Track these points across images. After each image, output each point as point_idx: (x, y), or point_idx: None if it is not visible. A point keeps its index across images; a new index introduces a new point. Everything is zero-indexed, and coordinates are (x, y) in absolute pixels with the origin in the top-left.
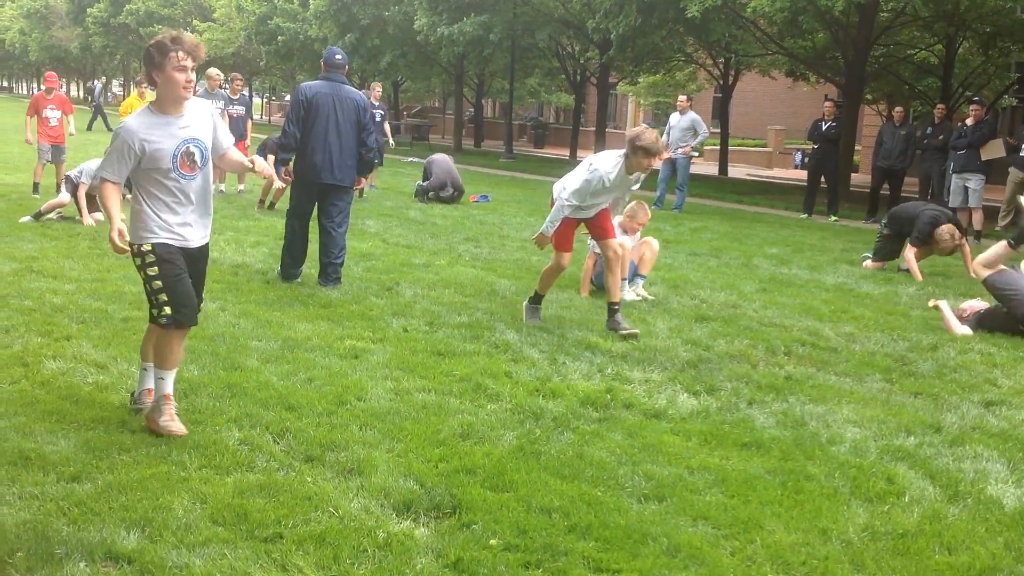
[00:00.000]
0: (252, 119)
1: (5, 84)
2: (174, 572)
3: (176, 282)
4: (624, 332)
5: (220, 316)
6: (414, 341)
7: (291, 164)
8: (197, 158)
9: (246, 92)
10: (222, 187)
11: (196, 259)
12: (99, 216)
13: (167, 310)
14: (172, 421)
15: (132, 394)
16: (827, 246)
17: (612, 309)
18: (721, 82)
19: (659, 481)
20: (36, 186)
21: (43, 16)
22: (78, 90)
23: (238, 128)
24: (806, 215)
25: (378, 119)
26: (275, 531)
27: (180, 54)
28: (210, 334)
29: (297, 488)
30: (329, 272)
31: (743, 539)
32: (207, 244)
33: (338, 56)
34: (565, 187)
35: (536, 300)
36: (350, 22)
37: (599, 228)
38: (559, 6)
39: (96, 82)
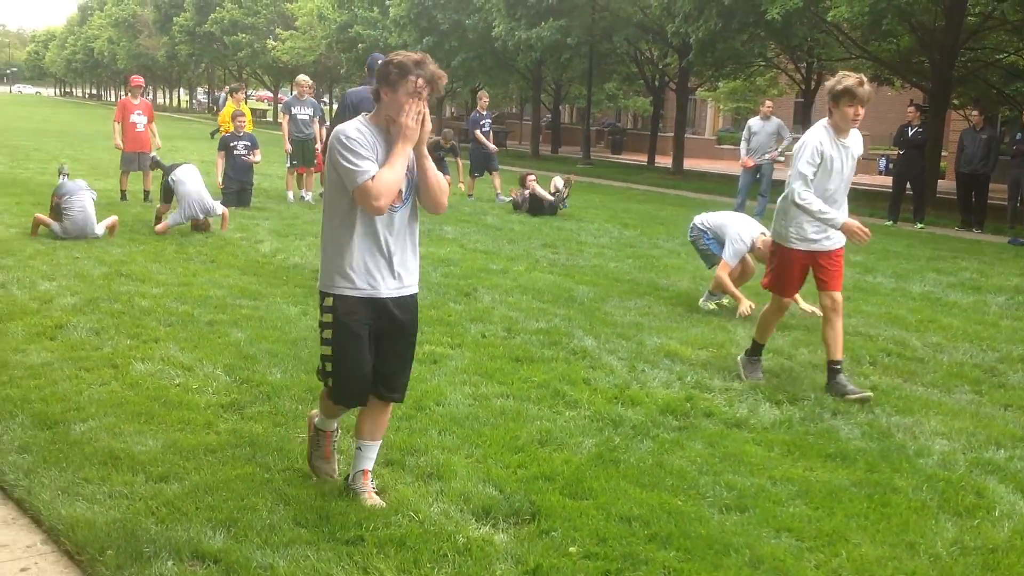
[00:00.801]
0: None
1: (94, 91)
2: (259, 572)
3: (349, 357)
4: (854, 397)
5: (301, 320)
6: (492, 347)
7: None
8: (404, 185)
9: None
10: (306, 195)
11: (392, 313)
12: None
13: (328, 380)
14: (369, 497)
15: (347, 477)
16: (913, 254)
17: (833, 369)
18: (803, 87)
19: (741, 491)
20: (124, 194)
21: (131, 25)
22: (165, 98)
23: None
24: (891, 222)
25: (486, 128)
26: (356, 534)
27: (420, 81)
28: (292, 338)
29: (378, 491)
30: None
31: (828, 552)
32: (413, 297)
33: (380, 61)
34: (789, 184)
35: (755, 351)
36: (430, 26)
37: (827, 271)
38: (637, 11)
39: (221, 92)
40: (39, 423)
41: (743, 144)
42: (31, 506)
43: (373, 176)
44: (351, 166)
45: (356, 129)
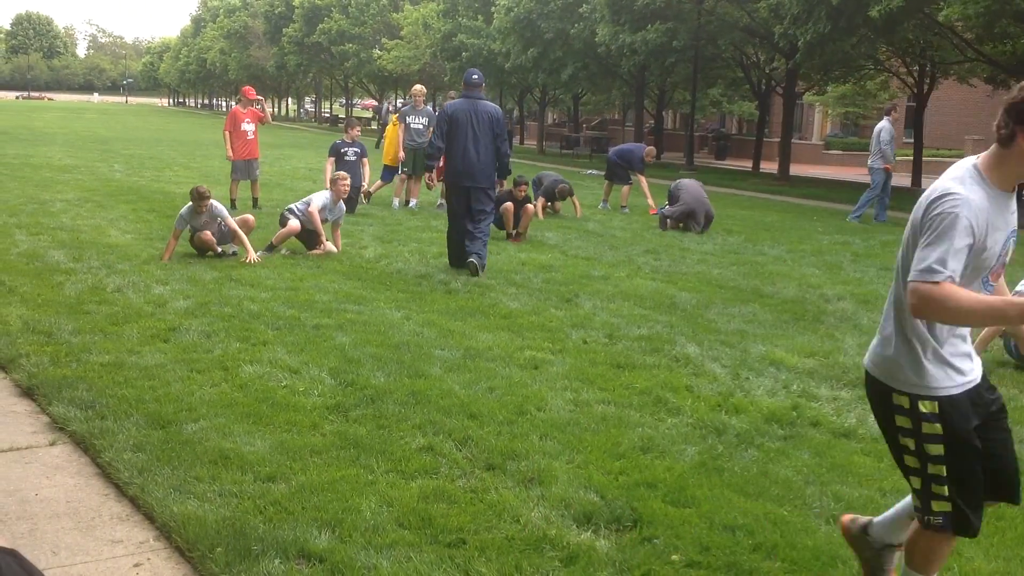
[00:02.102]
0: None
1: (206, 101)
2: (363, 572)
3: (969, 471)
4: None
5: (405, 325)
6: (593, 353)
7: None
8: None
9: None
10: (413, 202)
11: (988, 395)
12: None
13: (943, 507)
14: None
15: None
16: None
17: None
18: (915, 90)
19: (849, 502)
20: (233, 202)
21: (242, 36)
22: (274, 107)
23: None
24: None
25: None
26: (458, 537)
27: None
28: (395, 342)
29: (479, 495)
30: (472, 261)
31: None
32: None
33: (475, 76)
34: None
35: None
36: (534, 36)
37: None
38: (744, 15)
39: (385, 103)
40: (152, 422)
41: (888, 148)
42: (144, 503)
43: (944, 283)
44: (934, 251)
45: (967, 201)
